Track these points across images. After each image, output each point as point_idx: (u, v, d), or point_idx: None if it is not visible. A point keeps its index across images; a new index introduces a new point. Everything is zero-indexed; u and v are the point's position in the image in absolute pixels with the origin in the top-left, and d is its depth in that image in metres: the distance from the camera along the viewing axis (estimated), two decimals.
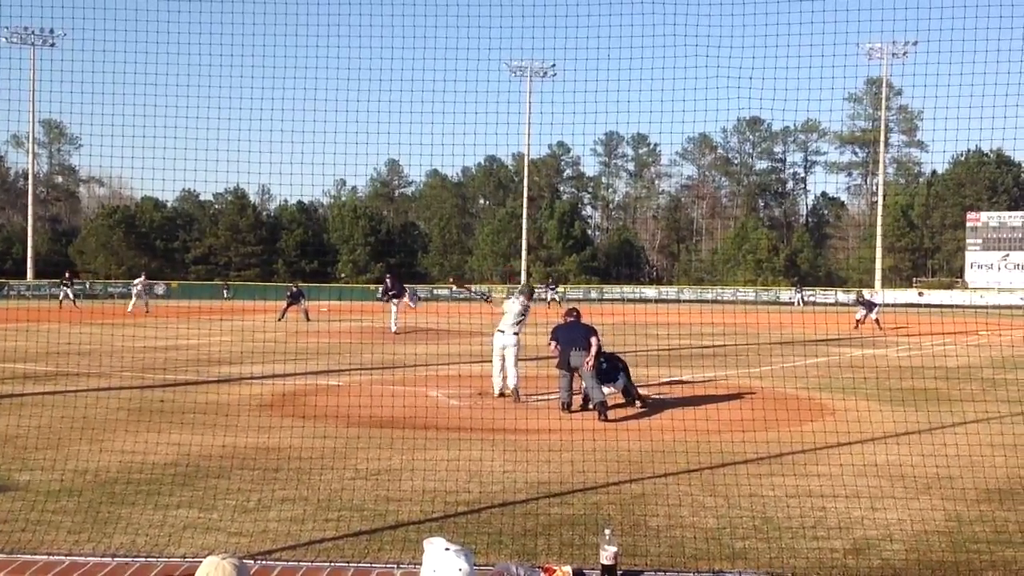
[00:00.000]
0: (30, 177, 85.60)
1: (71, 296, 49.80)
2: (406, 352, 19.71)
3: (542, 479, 8.65)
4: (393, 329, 28.37)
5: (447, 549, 3.45)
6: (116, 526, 7.11)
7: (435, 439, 10.52)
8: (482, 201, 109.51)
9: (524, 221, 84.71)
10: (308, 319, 36.13)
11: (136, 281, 47.31)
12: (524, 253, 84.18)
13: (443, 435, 10.92)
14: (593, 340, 13.15)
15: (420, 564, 4.95)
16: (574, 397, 13.34)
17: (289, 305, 37.51)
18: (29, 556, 5.20)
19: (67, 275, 53.00)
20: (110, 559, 5.12)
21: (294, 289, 39.63)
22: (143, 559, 5.15)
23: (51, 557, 5.20)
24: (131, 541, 6.62)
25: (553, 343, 13.63)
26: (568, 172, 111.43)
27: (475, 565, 4.23)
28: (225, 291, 69.65)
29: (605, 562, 5.22)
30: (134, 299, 44.79)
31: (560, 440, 9.99)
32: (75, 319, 31.25)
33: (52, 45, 68.87)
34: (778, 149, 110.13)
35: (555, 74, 72.87)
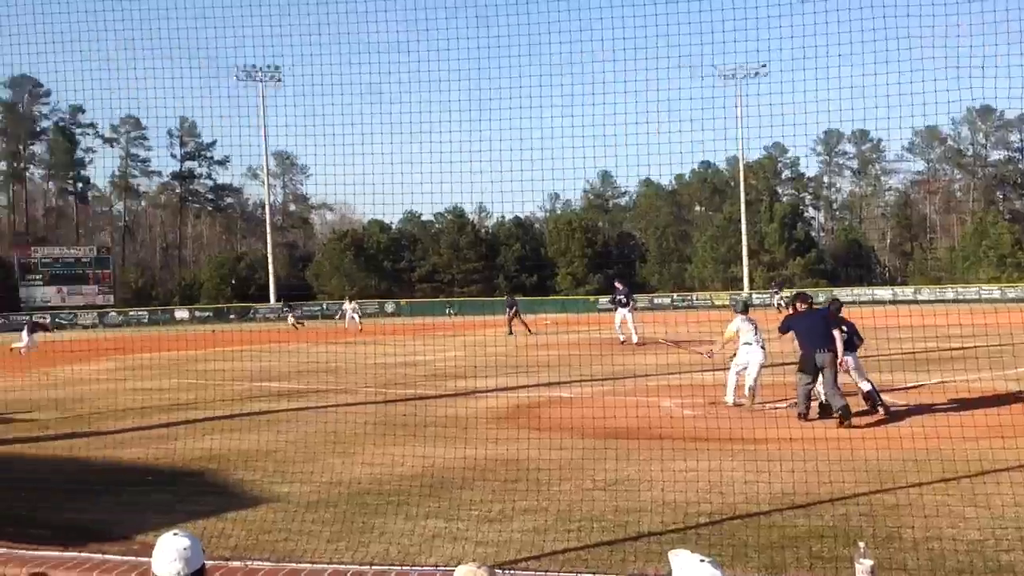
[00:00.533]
0: (267, 207, 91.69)
1: (295, 319, 53.20)
2: (635, 363, 19.63)
3: (786, 490, 8.37)
4: (635, 339, 27.35)
5: (702, 560, 3.37)
6: (370, 535, 7.44)
7: (671, 449, 10.40)
8: (698, 208, 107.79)
9: (743, 226, 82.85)
10: (530, 332, 36.56)
11: (346, 305, 49.89)
12: (745, 258, 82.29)
13: (679, 445, 10.79)
14: (836, 334, 12.60)
15: None
16: (812, 404, 12.87)
17: (511, 316, 38.31)
18: (295, 564, 5.52)
19: (282, 302, 57.36)
20: (368, 567, 5.35)
21: (510, 299, 40.69)
22: (398, 567, 5.35)
23: (315, 565, 5.49)
24: (385, 550, 6.90)
25: (789, 334, 13.14)
26: (786, 173, 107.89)
27: None
28: (449, 309, 71.67)
29: None
30: (348, 319, 47.04)
31: (802, 449, 9.66)
32: (309, 339, 33.12)
33: (279, 81, 73.24)
34: (1014, 138, 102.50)
35: (767, 74, 70.88)
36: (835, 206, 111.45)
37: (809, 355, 12.67)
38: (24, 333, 33.72)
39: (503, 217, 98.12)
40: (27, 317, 49.61)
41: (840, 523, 7.35)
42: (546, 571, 5.40)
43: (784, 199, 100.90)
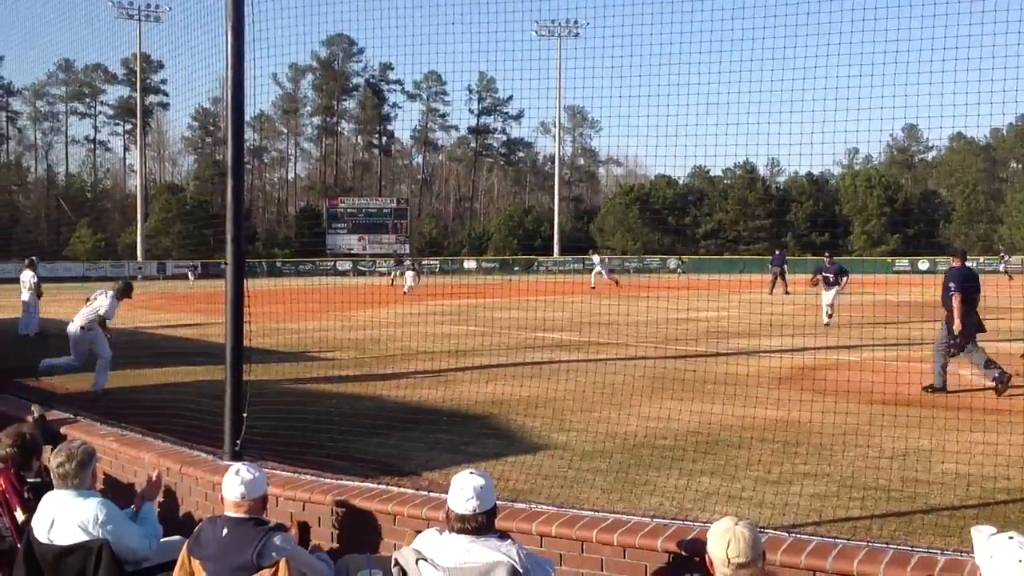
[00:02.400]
0: (556, 161, 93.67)
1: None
2: (936, 328, 18.41)
3: None
4: (824, 320, 23.33)
5: (1011, 537, 3.10)
6: (644, 488, 7.45)
7: (968, 420, 9.68)
8: (1014, 164, 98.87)
9: None
10: (787, 292, 35.34)
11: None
12: None
13: (978, 416, 10.03)
14: None
15: (964, 552, 4.55)
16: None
17: (778, 275, 37.15)
18: (577, 511, 5.60)
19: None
20: (649, 519, 5.34)
21: (776, 253, 39.46)
22: (680, 522, 5.31)
23: (596, 513, 5.55)
24: (659, 504, 6.88)
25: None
26: None
27: None
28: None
29: None
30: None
31: None
32: (595, 294, 33.50)
33: (576, 35, 74.13)
34: None
35: None
36: None
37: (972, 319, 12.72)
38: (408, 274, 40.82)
39: (796, 172, 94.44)
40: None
41: None
42: (835, 538, 5.13)
43: None
